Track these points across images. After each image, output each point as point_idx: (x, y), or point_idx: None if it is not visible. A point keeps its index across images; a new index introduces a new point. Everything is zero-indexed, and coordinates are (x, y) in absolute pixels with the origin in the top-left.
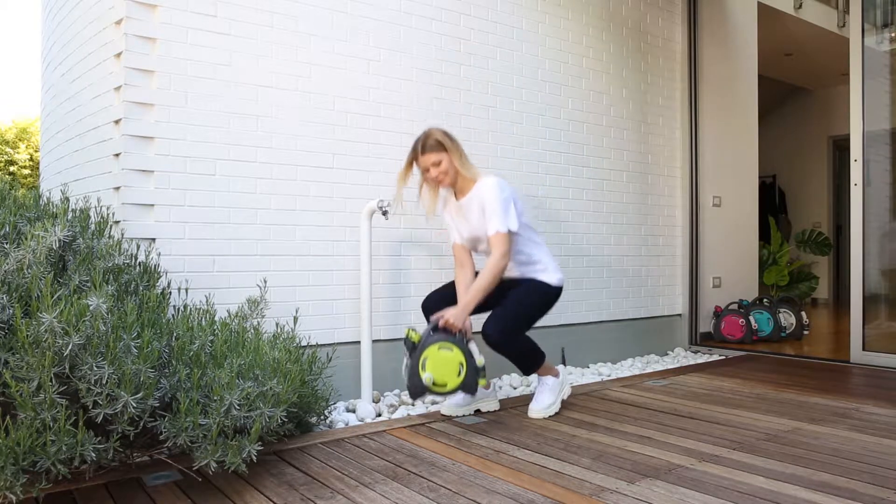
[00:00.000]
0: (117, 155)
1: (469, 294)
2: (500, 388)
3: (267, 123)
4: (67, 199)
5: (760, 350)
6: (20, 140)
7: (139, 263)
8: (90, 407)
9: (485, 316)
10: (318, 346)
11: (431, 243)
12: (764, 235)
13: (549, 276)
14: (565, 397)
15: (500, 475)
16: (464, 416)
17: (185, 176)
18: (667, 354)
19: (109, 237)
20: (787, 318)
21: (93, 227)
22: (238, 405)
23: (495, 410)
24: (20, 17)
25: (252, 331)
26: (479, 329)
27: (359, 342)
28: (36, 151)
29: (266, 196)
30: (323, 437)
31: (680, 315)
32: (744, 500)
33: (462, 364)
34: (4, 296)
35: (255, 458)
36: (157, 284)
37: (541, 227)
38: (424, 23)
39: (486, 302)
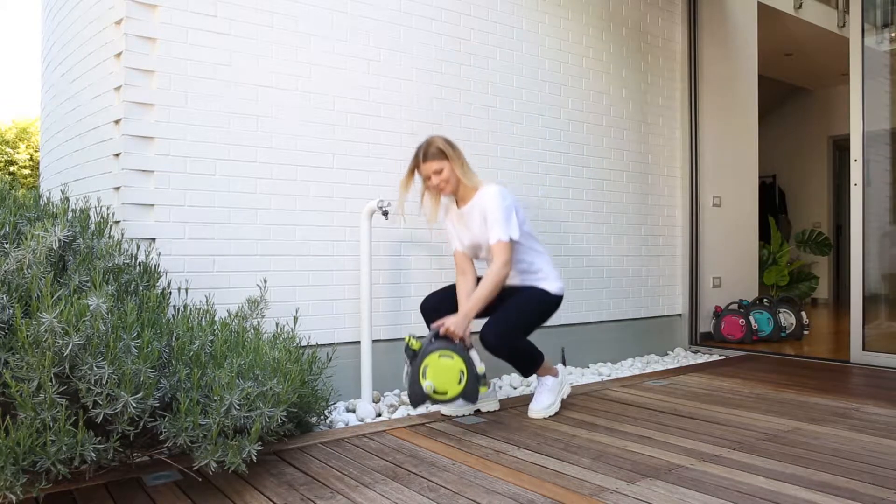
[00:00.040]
0: (117, 155)
1: (470, 302)
2: (500, 388)
3: (267, 123)
4: (67, 199)
5: (760, 350)
6: (20, 140)
7: (139, 263)
8: (90, 407)
9: (484, 320)
10: (318, 346)
11: (431, 243)
12: (764, 235)
13: (550, 285)
14: (565, 396)
15: (500, 475)
16: (464, 416)
17: (185, 176)
18: (667, 354)
19: (109, 237)
20: (787, 318)
21: (93, 227)
22: (238, 405)
23: (495, 410)
24: (20, 17)
25: (252, 331)
26: (478, 330)
27: (359, 342)
28: (36, 151)
29: (266, 196)
30: (323, 437)
31: (680, 315)
32: (744, 500)
33: (463, 372)
34: (4, 296)
35: (255, 458)
36: (157, 284)
37: (541, 227)
38: (424, 23)
39: (486, 309)
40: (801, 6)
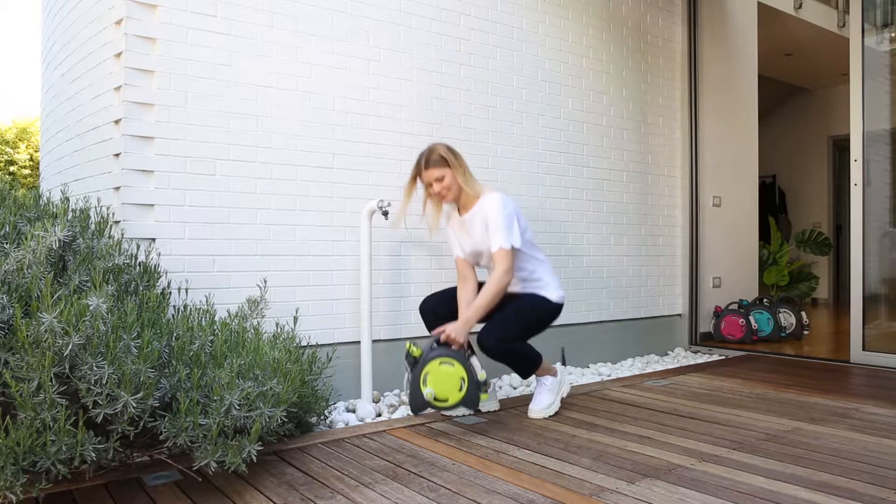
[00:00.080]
0: (117, 155)
1: (471, 309)
2: (500, 388)
3: (267, 123)
4: (67, 199)
5: (760, 350)
6: (20, 140)
7: (139, 263)
8: (90, 407)
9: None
10: (318, 346)
11: (431, 243)
12: (764, 235)
13: (550, 293)
14: (564, 395)
15: (500, 475)
16: (464, 416)
17: (185, 176)
18: (667, 354)
19: (109, 237)
20: (787, 318)
21: (93, 227)
22: (238, 405)
23: (495, 410)
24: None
25: (252, 331)
26: (476, 331)
27: (359, 342)
28: (36, 151)
29: (266, 196)
30: (323, 437)
31: (680, 315)
32: (744, 500)
33: (463, 379)
34: (4, 296)
35: (255, 458)
36: (157, 284)
37: (541, 227)
38: (424, 23)
39: (486, 314)
40: (801, 6)
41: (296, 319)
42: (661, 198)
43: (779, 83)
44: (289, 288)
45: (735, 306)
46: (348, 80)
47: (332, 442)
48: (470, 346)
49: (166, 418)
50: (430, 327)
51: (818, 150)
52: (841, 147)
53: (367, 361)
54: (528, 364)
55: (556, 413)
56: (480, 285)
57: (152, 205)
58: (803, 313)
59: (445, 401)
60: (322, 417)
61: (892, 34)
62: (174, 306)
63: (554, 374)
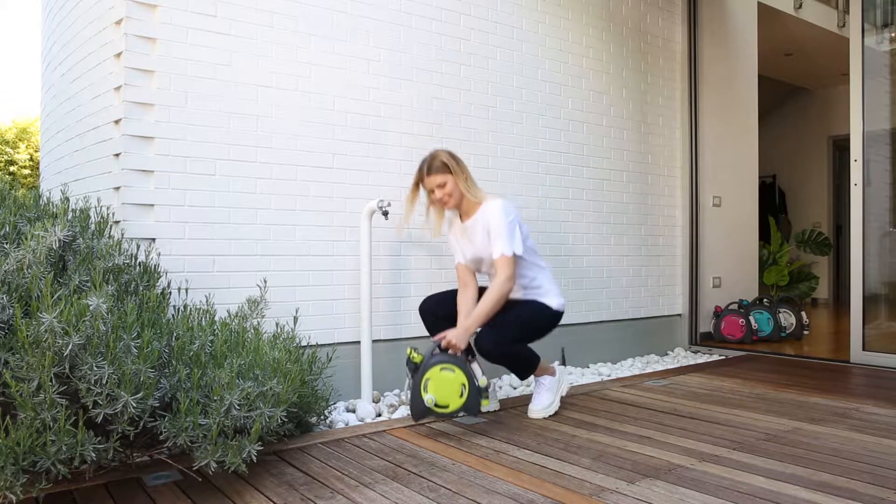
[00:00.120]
0: (117, 155)
1: (472, 316)
2: (500, 388)
3: (267, 123)
4: (67, 199)
5: (760, 350)
6: (20, 140)
7: (139, 263)
8: (90, 407)
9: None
10: (318, 346)
11: (431, 243)
12: (764, 235)
13: (550, 300)
14: (564, 394)
15: (500, 475)
16: (464, 415)
17: (185, 176)
18: (667, 354)
19: (109, 237)
20: (787, 318)
21: (93, 227)
22: (238, 405)
23: (495, 410)
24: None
25: (252, 331)
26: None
27: (359, 342)
28: (36, 151)
29: (266, 196)
30: (323, 437)
31: (680, 315)
32: (744, 500)
33: (464, 385)
34: (4, 296)
35: (255, 458)
36: (157, 284)
37: (541, 226)
38: (424, 23)
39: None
40: (801, 6)
41: (296, 319)
42: (661, 198)
43: (779, 83)
44: (289, 288)
45: (735, 306)
46: (348, 80)
47: (332, 442)
48: (471, 351)
49: (166, 418)
50: (429, 328)
51: (818, 150)
52: (841, 147)
53: (367, 361)
54: (525, 366)
55: (556, 413)
56: (481, 291)
57: (152, 205)
58: (803, 313)
59: (446, 407)
60: (322, 417)
61: (892, 34)
62: (174, 306)
63: (552, 373)
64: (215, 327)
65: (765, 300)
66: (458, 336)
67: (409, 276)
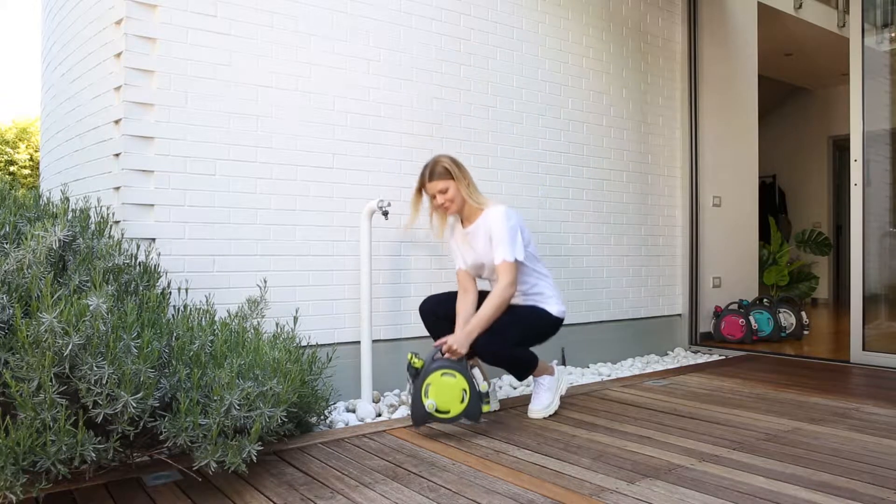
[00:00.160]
0: (117, 155)
1: (473, 321)
2: (500, 388)
3: (267, 123)
4: (67, 199)
5: (760, 350)
6: (20, 140)
7: (139, 263)
8: (90, 407)
9: None
10: (318, 346)
11: (431, 243)
12: (764, 235)
13: (551, 306)
14: (563, 393)
15: (500, 475)
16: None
17: (185, 176)
18: (667, 354)
19: (109, 237)
20: (787, 318)
21: (93, 227)
22: (238, 405)
23: (495, 410)
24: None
25: (252, 331)
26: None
27: (359, 342)
28: (36, 151)
29: (266, 196)
30: (323, 437)
31: (680, 315)
32: (744, 500)
33: (465, 390)
34: (4, 296)
35: (255, 458)
36: (157, 284)
37: (541, 226)
38: (424, 23)
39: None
40: (801, 6)
41: (296, 319)
42: (661, 198)
43: (779, 83)
44: (289, 288)
45: (735, 306)
46: (348, 80)
47: (332, 442)
48: (472, 356)
49: (166, 418)
50: (429, 328)
51: (818, 150)
52: (841, 147)
53: (367, 361)
54: (524, 368)
55: (556, 413)
56: (482, 295)
57: (152, 205)
58: (803, 313)
59: (447, 412)
60: (322, 417)
61: (892, 34)
62: (174, 306)
63: (551, 373)
64: (215, 327)
65: (765, 300)
66: (459, 341)
67: (409, 276)
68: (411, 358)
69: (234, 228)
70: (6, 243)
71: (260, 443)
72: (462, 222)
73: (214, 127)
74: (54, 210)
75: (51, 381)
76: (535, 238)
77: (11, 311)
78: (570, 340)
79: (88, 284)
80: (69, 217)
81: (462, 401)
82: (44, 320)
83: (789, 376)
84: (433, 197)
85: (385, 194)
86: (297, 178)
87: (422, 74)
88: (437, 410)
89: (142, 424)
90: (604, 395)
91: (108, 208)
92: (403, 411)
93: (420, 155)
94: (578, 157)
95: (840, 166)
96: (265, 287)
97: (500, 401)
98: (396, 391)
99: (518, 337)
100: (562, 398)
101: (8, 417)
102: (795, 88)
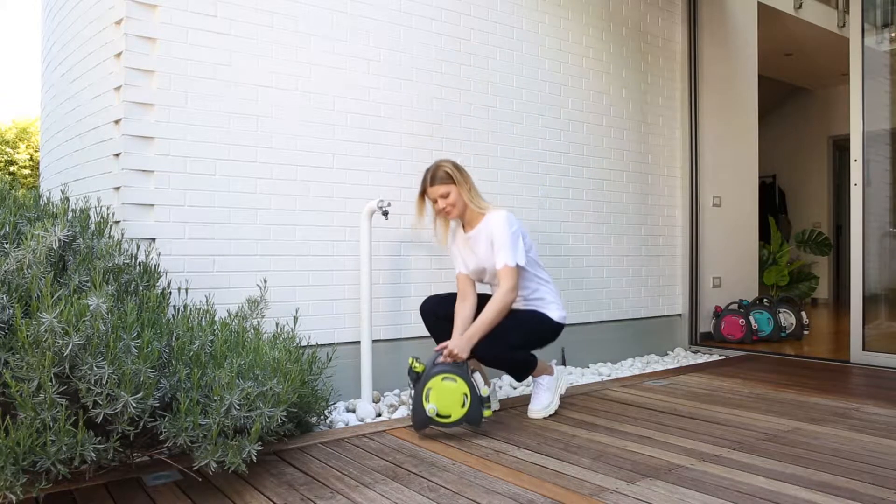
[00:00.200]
0: (117, 155)
1: (474, 326)
2: (500, 388)
3: (267, 123)
4: (67, 199)
5: (760, 350)
6: (20, 140)
7: (139, 263)
8: (90, 407)
9: None
10: (318, 346)
11: (431, 243)
12: (764, 235)
13: (552, 311)
14: (563, 393)
15: (500, 475)
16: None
17: (185, 176)
18: (667, 354)
19: (109, 237)
20: (787, 318)
21: (93, 227)
22: (238, 405)
23: (495, 410)
24: (20, 17)
25: (252, 331)
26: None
27: (359, 342)
28: (36, 151)
29: (266, 196)
30: (323, 437)
31: (680, 315)
32: (744, 500)
33: (466, 395)
34: (4, 296)
35: (255, 458)
36: (157, 284)
37: (540, 227)
38: (424, 23)
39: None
40: (801, 6)
41: (296, 319)
42: (661, 198)
43: (779, 83)
44: (289, 288)
45: (735, 306)
46: (348, 80)
47: (332, 442)
48: (473, 361)
49: (166, 418)
50: (429, 327)
51: (818, 150)
52: (841, 147)
53: (367, 361)
54: (523, 369)
55: (556, 413)
56: (482, 299)
57: (152, 205)
58: (803, 313)
59: (448, 417)
60: (322, 417)
61: (892, 34)
62: (174, 306)
63: (550, 372)
64: (215, 327)
65: (765, 300)
66: (459, 346)
67: (409, 276)
68: (412, 362)
69: (234, 228)
70: (6, 243)
71: (260, 443)
72: (464, 227)
73: (214, 127)
74: (54, 210)
75: (51, 381)
76: (535, 238)
77: (11, 311)
78: (570, 340)
79: (88, 284)
80: (69, 217)
81: (463, 405)
82: (44, 320)
83: (789, 376)
84: (435, 201)
85: (385, 194)
86: (297, 178)
87: (422, 74)
88: (438, 415)
89: (142, 424)
90: (604, 395)
91: (108, 208)
92: (403, 411)
93: (420, 155)
94: (578, 157)
95: (840, 166)
96: (265, 287)
97: (500, 401)
98: (396, 391)
99: (519, 341)
100: (562, 398)
101: (8, 417)
102: (795, 88)
